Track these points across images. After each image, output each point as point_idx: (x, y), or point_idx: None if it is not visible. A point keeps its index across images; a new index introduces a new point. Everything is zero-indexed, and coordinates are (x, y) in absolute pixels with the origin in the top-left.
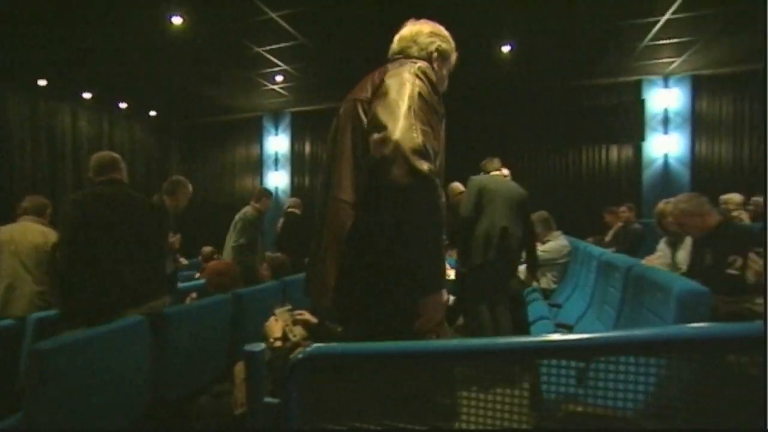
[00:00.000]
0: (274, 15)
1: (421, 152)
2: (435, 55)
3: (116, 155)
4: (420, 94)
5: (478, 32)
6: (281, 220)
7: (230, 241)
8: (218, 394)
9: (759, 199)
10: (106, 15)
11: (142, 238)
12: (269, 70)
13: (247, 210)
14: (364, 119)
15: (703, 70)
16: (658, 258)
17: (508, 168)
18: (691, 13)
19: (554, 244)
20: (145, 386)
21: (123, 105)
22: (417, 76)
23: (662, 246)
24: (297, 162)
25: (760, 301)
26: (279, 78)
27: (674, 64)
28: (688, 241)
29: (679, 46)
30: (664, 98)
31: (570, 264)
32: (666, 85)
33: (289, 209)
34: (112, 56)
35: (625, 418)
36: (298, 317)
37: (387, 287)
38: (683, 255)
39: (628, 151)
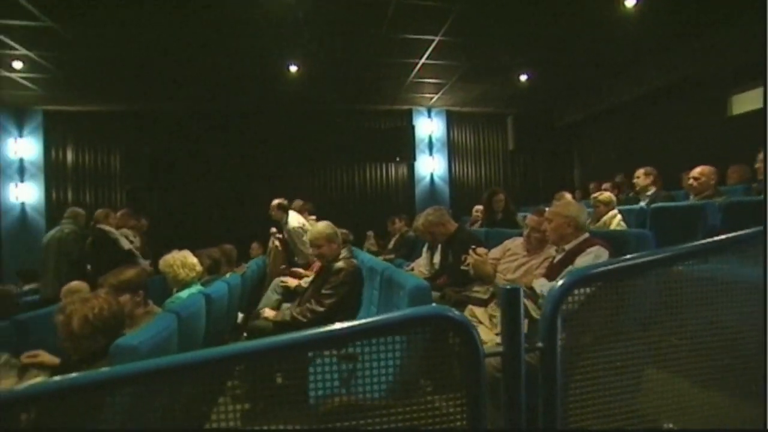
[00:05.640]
0: None
1: None
2: None
3: None
4: None
5: (266, 51)
6: (89, 240)
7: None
8: None
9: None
10: None
11: None
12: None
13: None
14: None
15: (453, 107)
16: (423, 259)
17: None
18: (439, 61)
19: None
20: None
21: None
22: None
23: (424, 251)
24: (54, 173)
25: (477, 288)
26: (17, 65)
27: (433, 99)
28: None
29: (435, 86)
30: (429, 126)
31: None
32: (429, 116)
33: (99, 225)
34: None
35: (378, 403)
36: (27, 360)
37: None
38: (437, 257)
39: (403, 170)
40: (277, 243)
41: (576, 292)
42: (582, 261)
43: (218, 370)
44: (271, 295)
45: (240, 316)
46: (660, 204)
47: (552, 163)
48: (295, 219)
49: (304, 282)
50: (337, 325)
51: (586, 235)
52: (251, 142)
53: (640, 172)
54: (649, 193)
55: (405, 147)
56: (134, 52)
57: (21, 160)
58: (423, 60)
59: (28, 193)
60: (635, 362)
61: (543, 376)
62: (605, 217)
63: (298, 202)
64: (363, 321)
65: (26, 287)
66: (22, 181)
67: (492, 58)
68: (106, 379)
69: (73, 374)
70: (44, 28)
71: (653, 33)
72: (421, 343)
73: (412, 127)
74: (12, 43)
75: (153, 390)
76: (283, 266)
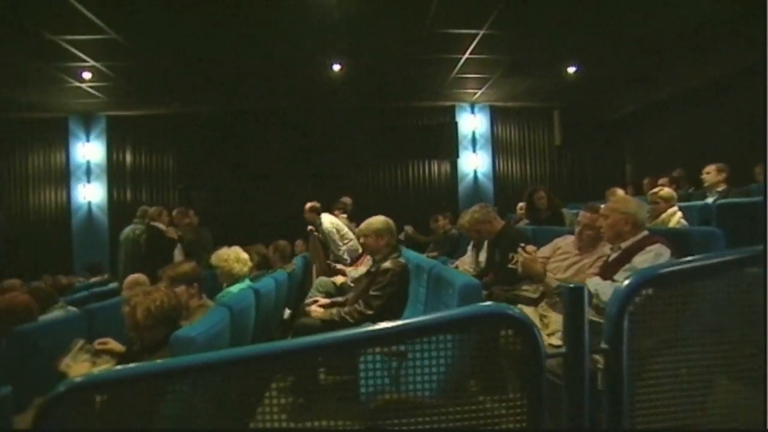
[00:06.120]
0: None
1: None
2: None
3: None
4: None
5: (311, 51)
6: (143, 236)
7: None
8: None
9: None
10: None
11: None
12: (72, 64)
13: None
14: None
15: (497, 102)
16: (468, 257)
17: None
18: (483, 56)
19: None
20: None
21: None
22: None
23: (469, 249)
24: (115, 173)
25: (526, 287)
26: (87, 75)
27: (477, 95)
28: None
29: (479, 81)
30: (472, 122)
31: None
32: (473, 112)
33: (152, 223)
34: None
35: (429, 402)
36: (99, 347)
37: None
38: (483, 255)
39: (446, 167)
40: (317, 233)
41: (643, 292)
42: (641, 259)
43: (272, 365)
44: (315, 293)
45: (287, 312)
46: (727, 200)
47: (601, 159)
48: (327, 220)
49: (350, 279)
50: (391, 324)
51: (645, 232)
52: (295, 141)
53: (711, 168)
54: (719, 189)
55: (448, 144)
56: (186, 58)
57: (88, 163)
58: (466, 55)
59: (93, 193)
60: (704, 370)
61: (608, 379)
62: (664, 215)
63: (345, 200)
64: (417, 319)
65: (92, 279)
66: (88, 182)
67: (538, 50)
68: (169, 369)
69: (141, 363)
70: (109, 40)
71: (720, 13)
72: (475, 343)
73: (455, 124)
74: (84, 56)
75: (211, 381)
76: (328, 261)
